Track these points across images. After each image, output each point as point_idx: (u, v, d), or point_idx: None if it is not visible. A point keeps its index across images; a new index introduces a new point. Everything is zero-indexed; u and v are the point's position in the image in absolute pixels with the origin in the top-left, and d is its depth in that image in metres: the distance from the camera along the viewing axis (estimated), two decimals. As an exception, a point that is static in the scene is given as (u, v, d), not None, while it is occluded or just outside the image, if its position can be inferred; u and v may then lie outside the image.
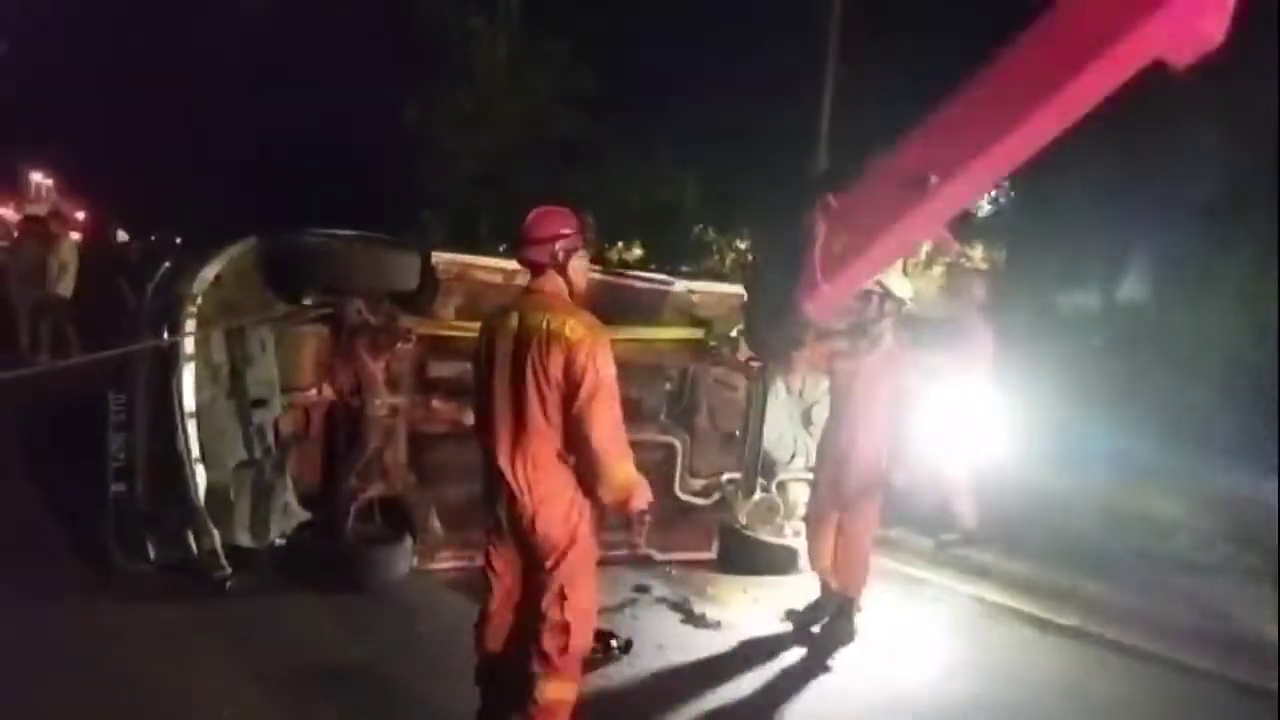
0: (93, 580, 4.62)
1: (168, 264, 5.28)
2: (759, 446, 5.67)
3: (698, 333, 5.63)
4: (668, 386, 5.82)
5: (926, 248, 6.12)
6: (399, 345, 4.96)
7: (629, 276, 5.96)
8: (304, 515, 4.90)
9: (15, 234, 14.09)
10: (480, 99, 14.06)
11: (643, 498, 3.11)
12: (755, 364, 5.34)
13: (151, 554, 4.70)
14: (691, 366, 5.74)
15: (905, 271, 5.05)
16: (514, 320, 3.10)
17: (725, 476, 5.78)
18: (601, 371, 2.98)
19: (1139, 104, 3.60)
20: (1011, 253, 14.34)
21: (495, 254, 5.85)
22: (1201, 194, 9.95)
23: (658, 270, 7.04)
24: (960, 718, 4.13)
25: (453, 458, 5.00)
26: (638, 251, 18.00)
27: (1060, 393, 11.69)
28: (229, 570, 4.63)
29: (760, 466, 5.70)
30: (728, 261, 15.94)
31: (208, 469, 4.65)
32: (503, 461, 3.07)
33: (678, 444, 5.65)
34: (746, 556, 5.64)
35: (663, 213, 15.14)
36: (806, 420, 6.02)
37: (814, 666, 4.50)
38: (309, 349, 5.00)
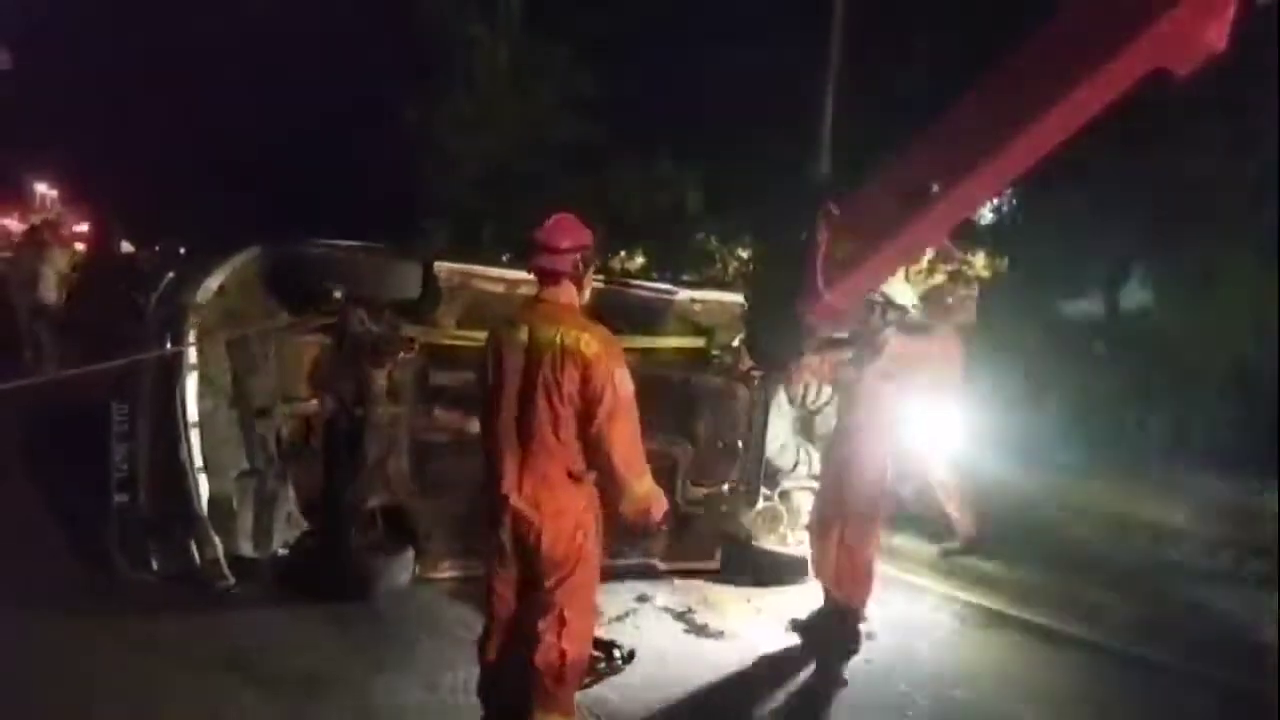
0: (96, 589, 4.62)
1: (171, 274, 5.29)
2: (761, 455, 5.66)
3: (699, 342, 5.63)
4: (669, 395, 5.81)
5: (929, 256, 6.09)
6: (401, 354, 4.96)
7: (631, 285, 5.96)
8: (306, 525, 4.90)
9: (16, 243, 14.33)
10: (481, 103, 14.07)
11: (660, 509, 3.08)
12: (756, 373, 5.34)
13: (154, 563, 4.70)
14: (693, 375, 5.73)
15: (908, 279, 5.05)
16: (523, 333, 3.01)
17: (728, 486, 5.77)
18: (620, 389, 2.93)
19: (1141, 110, 3.59)
20: (1014, 260, 14.33)
21: (497, 261, 5.86)
22: (1204, 200, 9.94)
23: (660, 279, 7.05)
24: (964, 728, 4.12)
25: (455, 467, 4.99)
26: (640, 260, 18.00)
27: (1063, 399, 11.69)
28: (231, 580, 4.63)
29: (763, 475, 5.69)
30: (730, 270, 15.94)
31: (210, 478, 4.65)
32: (509, 478, 3.01)
33: (679, 454, 5.64)
34: (749, 566, 5.63)
35: (665, 220, 15.14)
36: (809, 429, 6.01)
37: (817, 676, 4.48)
38: (311, 358, 5.01)
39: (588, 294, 3.17)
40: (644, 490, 3.01)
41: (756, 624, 5.04)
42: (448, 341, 5.05)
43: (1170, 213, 10.24)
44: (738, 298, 5.77)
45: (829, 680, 4.43)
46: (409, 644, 4.37)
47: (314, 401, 5.00)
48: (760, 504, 5.71)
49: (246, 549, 4.74)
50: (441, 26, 13.65)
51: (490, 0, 13.54)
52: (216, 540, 4.61)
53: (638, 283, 6.25)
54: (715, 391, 5.76)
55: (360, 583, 4.80)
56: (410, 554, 4.99)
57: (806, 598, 5.10)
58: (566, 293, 3.08)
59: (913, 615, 5.41)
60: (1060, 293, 13.18)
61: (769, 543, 5.72)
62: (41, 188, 31.80)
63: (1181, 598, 6.04)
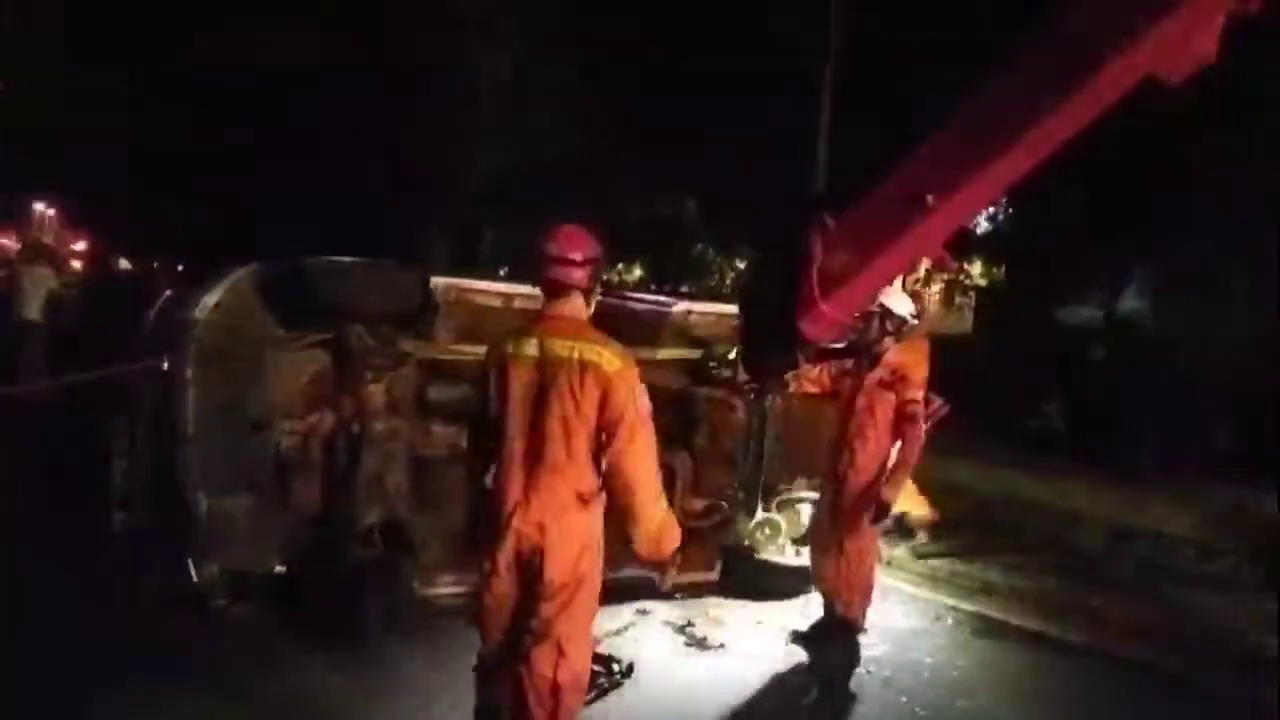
0: (93, 605, 4.61)
1: (169, 291, 5.30)
2: (760, 467, 5.66)
3: (696, 353, 5.63)
4: (668, 407, 5.81)
5: (925, 265, 6.09)
6: (398, 369, 4.96)
7: (628, 297, 5.97)
8: (305, 541, 4.88)
9: (10, 261, 14.55)
10: (482, 117, 14.13)
11: (673, 544, 2.97)
12: (752, 386, 5.32)
13: (152, 580, 4.69)
14: (691, 387, 5.73)
15: (905, 289, 5.04)
16: (532, 347, 2.89)
17: (727, 497, 5.76)
18: (641, 408, 2.83)
19: (1136, 118, 3.61)
20: (1011, 268, 14.39)
21: (495, 275, 5.87)
22: (1200, 207, 9.99)
23: (657, 290, 7.05)
24: (966, 738, 4.12)
25: (453, 482, 4.98)
26: (638, 271, 18.06)
27: (1061, 405, 11.72)
28: (229, 596, 4.61)
29: (762, 487, 5.69)
30: (728, 281, 15.98)
31: (208, 495, 4.64)
32: (514, 498, 2.87)
33: (678, 465, 5.64)
34: (749, 577, 5.61)
35: (663, 232, 15.20)
36: (806, 440, 6.00)
37: (818, 688, 4.46)
38: (309, 374, 5.00)
39: (593, 307, 3.08)
40: (659, 519, 2.90)
41: (757, 636, 5.03)
42: (445, 356, 5.05)
43: (1167, 220, 10.29)
44: (734, 309, 5.77)
45: (830, 692, 4.42)
46: (406, 662, 4.36)
47: (312, 417, 5.00)
48: (759, 515, 5.70)
49: (244, 565, 4.72)
50: (443, 42, 13.71)
51: (490, 15, 13.61)
52: (215, 556, 4.60)
53: (634, 294, 6.26)
54: (713, 403, 5.76)
55: (358, 599, 4.78)
56: (409, 570, 4.97)
57: (807, 609, 5.09)
58: (576, 306, 2.97)
59: (912, 625, 5.41)
60: (1058, 299, 13.24)
61: (769, 554, 5.71)
62: (39, 207, 31.85)
63: (1180, 603, 6.03)
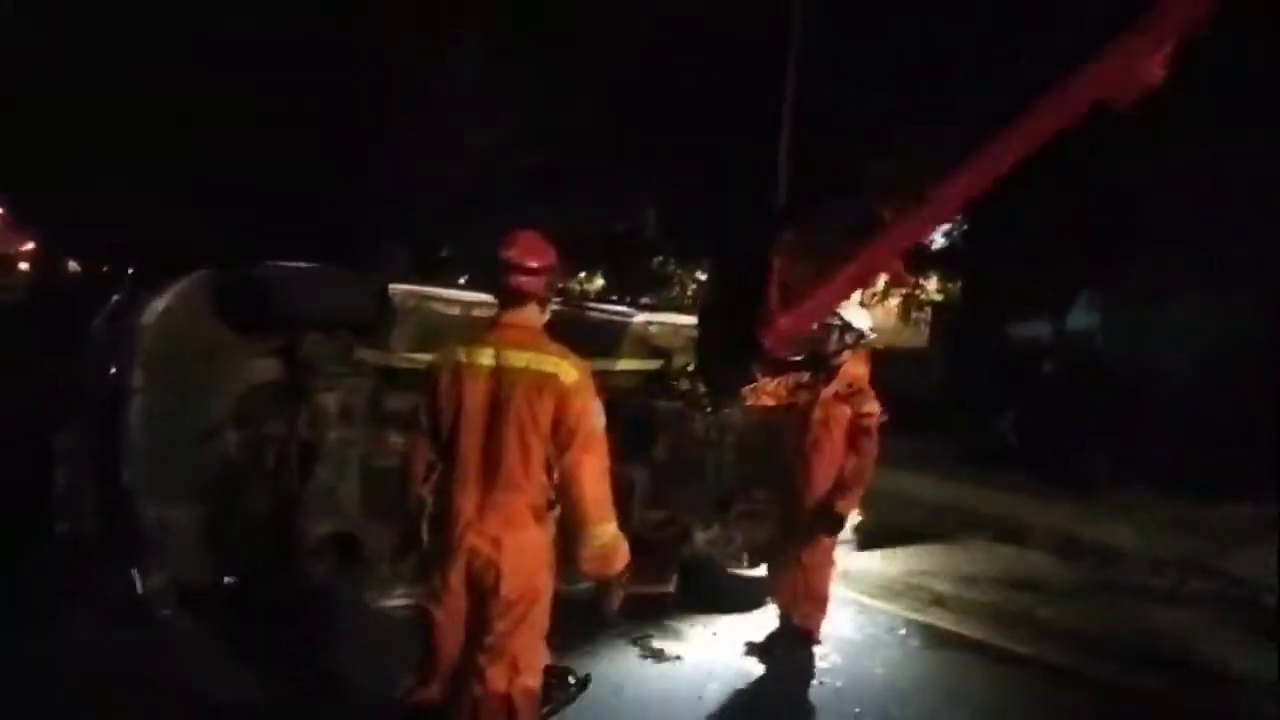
0: (35, 620, 4.48)
1: (117, 296, 5.18)
2: (718, 479, 5.67)
3: (656, 364, 5.63)
4: (626, 418, 5.81)
5: (883, 280, 6.18)
6: (354, 378, 4.90)
7: (587, 307, 5.96)
8: (256, 552, 4.79)
9: None
10: (442, 129, 14.06)
11: (621, 562, 2.93)
12: (708, 399, 5.34)
13: (97, 591, 4.57)
14: (649, 398, 5.73)
15: (863, 303, 5.11)
16: (487, 357, 2.84)
17: (685, 509, 5.76)
18: (595, 421, 2.80)
19: (1087, 137, 3.70)
20: (966, 283, 14.63)
21: (454, 283, 5.82)
22: (1147, 224, 10.24)
23: (618, 301, 7.05)
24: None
25: (409, 492, 4.93)
26: (599, 282, 18.07)
27: (1013, 419, 11.91)
28: (177, 609, 4.50)
29: (719, 499, 5.70)
30: (689, 292, 16.05)
31: (155, 505, 4.53)
32: (468, 512, 2.81)
33: (636, 476, 5.63)
34: (706, 589, 5.62)
35: (623, 243, 15.23)
36: (764, 452, 6.03)
37: (773, 700, 4.49)
38: (261, 381, 4.92)
39: (546, 316, 3.05)
40: (607, 537, 2.86)
41: (713, 648, 5.03)
42: (402, 365, 5.00)
43: (1115, 238, 10.54)
44: (693, 320, 5.79)
45: (785, 703, 4.44)
46: (360, 674, 4.29)
47: (264, 426, 4.91)
48: (716, 527, 5.71)
49: (193, 577, 4.62)
50: (402, 55, 13.63)
51: (452, 27, 13.56)
52: (162, 569, 4.50)
53: (593, 305, 6.25)
54: (672, 414, 5.76)
55: (310, 612, 4.70)
56: (363, 581, 4.90)
57: (763, 621, 5.11)
58: (532, 314, 2.93)
59: (865, 636, 5.45)
60: (1011, 315, 13.48)
61: (725, 566, 5.72)
62: (-14, 208, 31.04)
63: (1127, 615, 6.15)
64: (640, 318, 5.75)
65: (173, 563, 4.54)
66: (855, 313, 4.91)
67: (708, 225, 13.25)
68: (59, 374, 5.12)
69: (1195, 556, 7.36)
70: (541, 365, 2.80)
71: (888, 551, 7.16)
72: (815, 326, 4.42)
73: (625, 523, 5.43)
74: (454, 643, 2.91)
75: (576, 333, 5.19)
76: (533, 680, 2.91)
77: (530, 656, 2.90)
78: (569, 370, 2.81)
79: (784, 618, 4.86)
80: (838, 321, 4.69)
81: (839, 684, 4.69)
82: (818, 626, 4.80)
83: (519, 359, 2.81)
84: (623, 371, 5.56)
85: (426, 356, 4.59)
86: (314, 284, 4.93)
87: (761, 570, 5.27)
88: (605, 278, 17.43)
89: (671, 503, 5.75)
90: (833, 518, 4.65)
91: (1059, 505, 8.69)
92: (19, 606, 4.62)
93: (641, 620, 5.29)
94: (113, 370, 4.59)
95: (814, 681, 4.64)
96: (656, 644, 4.99)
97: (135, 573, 4.49)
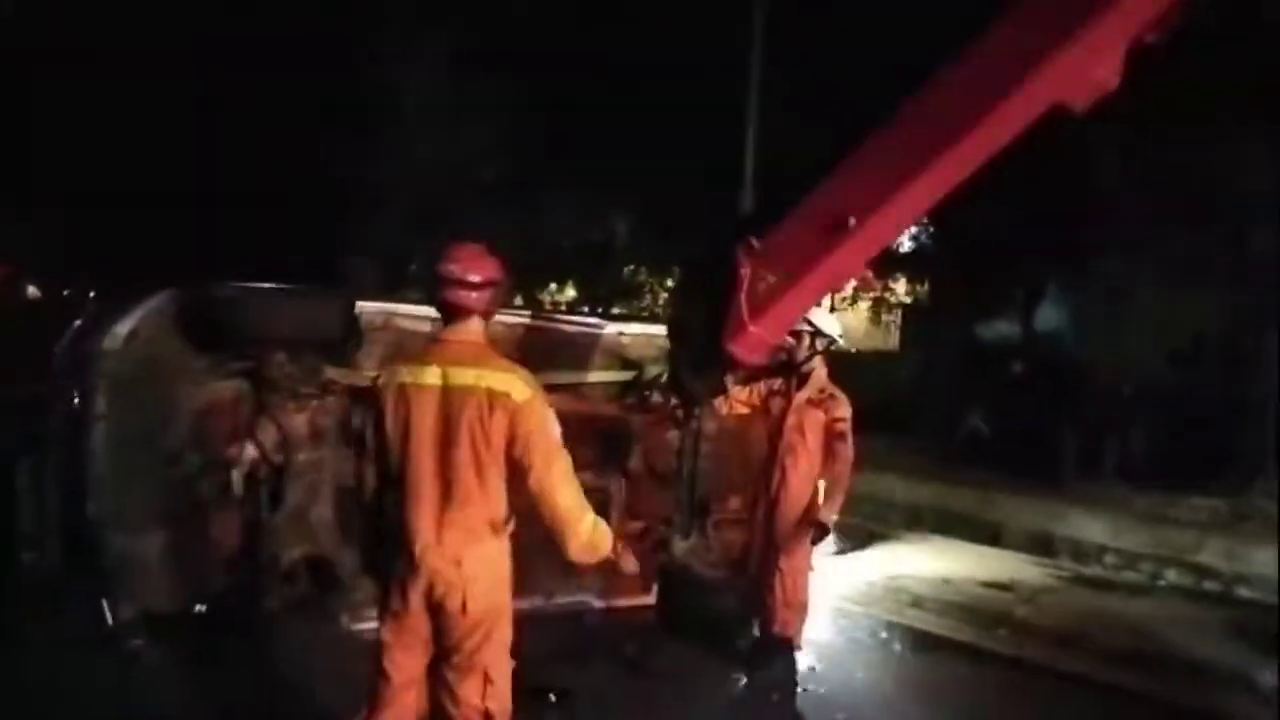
0: (4, 654, 4.37)
1: (79, 320, 5.09)
2: (693, 487, 5.66)
3: (628, 375, 5.62)
4: (600, 429, 5.78)
5: (852, 285, 6.21)
6: (322, 398, 4.83)
7: (558, 319, 5.93)
8: (226, 580, 4.71)
9: None
10: (410, 140, 13.95)
11: (608, 543, 2.94)
12: (681, 409, 5.32)
13: (65, 623, 4.47)
14: (623, 409, 5.71)
15: (833, 308, 5.13)
16: (434, 376, 2.81)
17: (661, 519, 5.75)
18: (552, 434, 2.79)
19: (1051, 138, 3.73)
20: (934, 285, 14.76)
21: (424, 300, 5.76)
22: (1115, 224, 10.37)
23: (589, 312, 7.03)
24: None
25: (381, 512, 4.87)
26: (571, 292, 18.04)
27: (983, 418, 12.01)
28: (145, 639, 4.42)
29: (695, 507, 5.69)
30: (660, 302, 16.06)
31: (122, 533, 4.45)
32: (426, 533, 2.77)
33: (613, 487, 5.61)
34: (685, 599, 5.60)
35: (595, 253, 15.21)
36: (738, 460, 6.03)
37: (755, 709, 4.47)
38: (228, 404, 4.84)
39: (488, 329, 2.99)
40: (589, 533, 2.85)
41: (692, 658, 5.01)
42: (371, 383, 4.94)
43: (1079, 236, 10.67)
44: (665, 330, 5.78)
45: (769, 711, 4.43)
46: (333, 701, 4.22)
47: (232, 449, 4.83)
48: (694, 536, 5.70)
49: (162, 606, 4.53)
50: (368, 65, 13.53)
51: (419, 36, 13.48)
52: (130, 598, 4.41)
53: (565, 316, 6.23)
54: (646, 425, 5.75)
55: (283, 638, 4.63)
56: (336, 605, 4.83)
57: (742, 629, 5.09)
58: (474, 330, 2.89)
59: (847, 641, 5.46)
60: (979, 315, 13.61)
61: (703, 574, 5.70)
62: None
63: (1103, 610, 6.21)
64: (612, 329, 5.73)
65: (141, 593, 4.46)
66: (825, 318, 4.93)
67: (678, 234, 13.26)
68: (21, 402, 5.01)
69: (1168, 549, 7.45)
70: (491, 383, 2.76)
71: (865, 554, 7.19)
72: (785, 333, 4.42)
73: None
74: (410, 666, 2.89)
75: (548, 345, 5.22)
76: (505, 691, 2.92)
77: (501, 668, 2.91)
78: (521, 388, 2.78)
79: (764, 625, 4.85)
80: (808, 327, 4.71)
81: (823, 690, 4.68)
82: (799, 633, 4.79)
83: (465, 376, 2.77)
84: (595, 383, 5.54)
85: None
86: (279, 303, 4.87)
87: (740, 579, 5.26)
88: (576, 288, 17.39)
89: (648, 513, 5.74)
90: (818, 527, 4.65)
91: (1031, 502, 8.76)
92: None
93: (620, 631, 5.27)
94: (75, 397, 4.50)
95: (798, 689, 4.63)
96: (635, 654, 4.96)
97: (104, 604, 4.40)
